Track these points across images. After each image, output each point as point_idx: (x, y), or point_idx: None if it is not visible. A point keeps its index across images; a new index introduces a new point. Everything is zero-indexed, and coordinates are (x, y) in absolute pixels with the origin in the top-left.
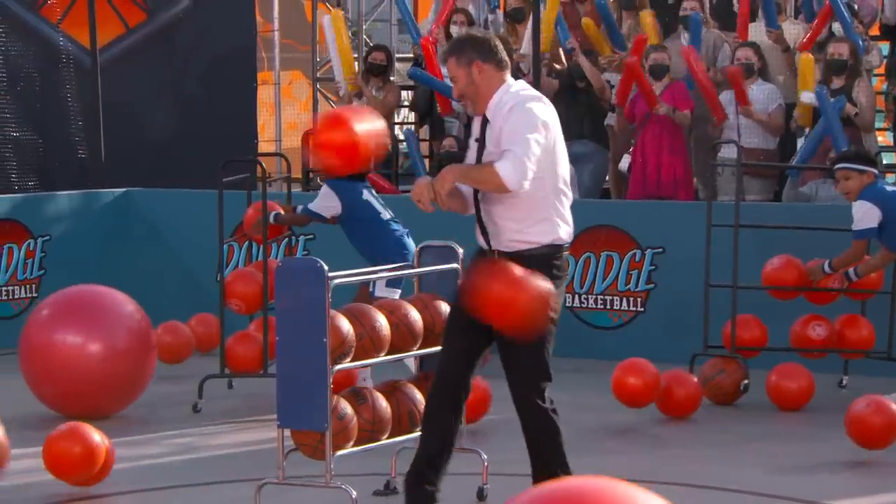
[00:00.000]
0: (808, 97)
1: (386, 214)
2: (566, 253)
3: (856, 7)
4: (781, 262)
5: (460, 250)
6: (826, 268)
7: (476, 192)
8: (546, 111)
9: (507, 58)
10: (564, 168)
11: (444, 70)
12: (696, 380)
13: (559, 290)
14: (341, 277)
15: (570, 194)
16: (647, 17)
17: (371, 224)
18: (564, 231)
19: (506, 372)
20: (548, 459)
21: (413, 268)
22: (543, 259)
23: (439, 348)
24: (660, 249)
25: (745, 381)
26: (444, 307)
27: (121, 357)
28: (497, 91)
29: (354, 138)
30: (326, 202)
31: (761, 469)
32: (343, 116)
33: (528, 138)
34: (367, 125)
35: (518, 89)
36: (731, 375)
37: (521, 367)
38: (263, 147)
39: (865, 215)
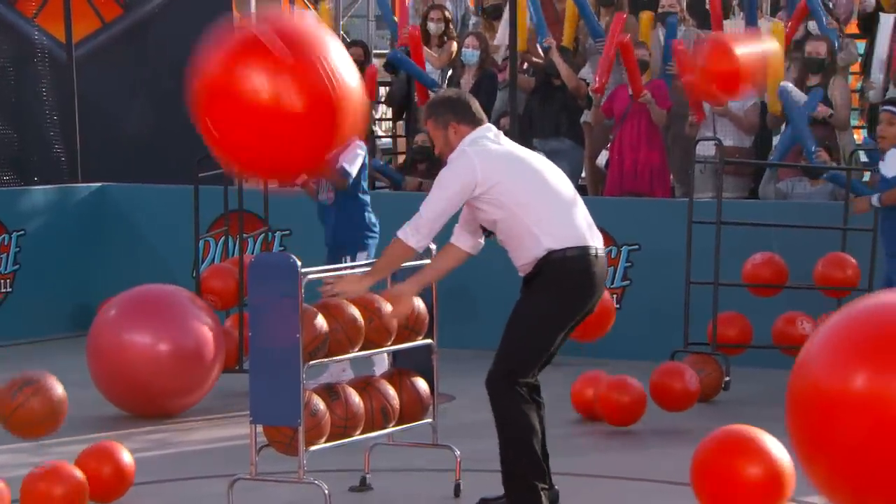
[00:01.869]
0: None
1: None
2: (596, 256)
3: (831, 5)
4: (763, 259)
5: (433, 245)
6: (875, 201)
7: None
8: (483, 157)
9: (481, 113)
10: (540, 186)
11: (427, 63)
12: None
13: (570, 294)
14: (314, 273)
15: (557, 203)
16: (647, 17)
17: (363, 194)
18: (549, 240)
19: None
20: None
21: None
22: (542, 270)
23: (413, 344)
24: (635, 246)
25: (727, 378)
26: (418, 302)
27: (188, 356)
28: None
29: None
30: (356, 152)
31: None
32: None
33: (435, 195)
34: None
35: (469, 141)
36: (709, 375)
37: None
38: None
39: None
